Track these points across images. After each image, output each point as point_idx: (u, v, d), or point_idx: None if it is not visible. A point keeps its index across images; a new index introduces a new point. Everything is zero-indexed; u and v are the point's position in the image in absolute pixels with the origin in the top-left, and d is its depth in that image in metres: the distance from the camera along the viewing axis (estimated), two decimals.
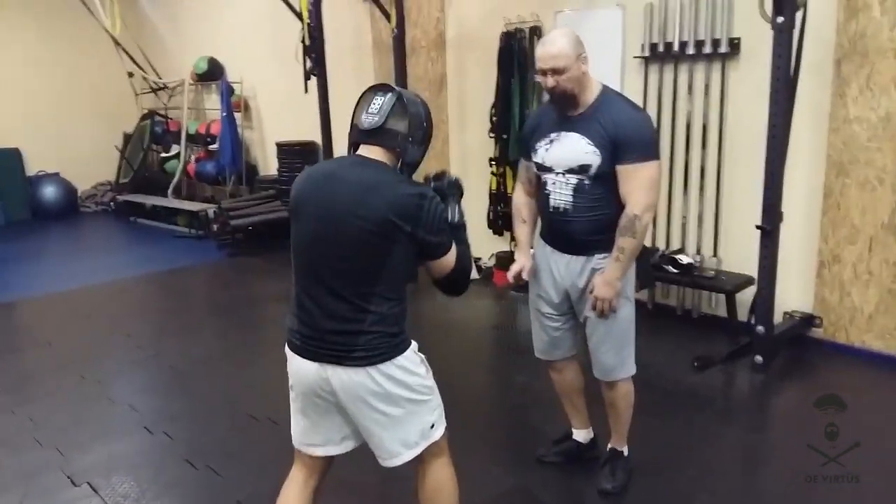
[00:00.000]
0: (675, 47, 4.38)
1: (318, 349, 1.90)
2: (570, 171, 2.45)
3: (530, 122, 2.70)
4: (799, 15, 3.48)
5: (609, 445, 2.84)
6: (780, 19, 3.44)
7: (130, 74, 8.98)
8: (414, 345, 2.00)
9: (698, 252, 4.53)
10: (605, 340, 2.59)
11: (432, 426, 2.02)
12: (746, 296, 4.13)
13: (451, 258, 1.95)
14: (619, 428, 2.79)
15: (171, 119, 8.96)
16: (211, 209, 7.91)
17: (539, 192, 2.60)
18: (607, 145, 2.37)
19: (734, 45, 4.15)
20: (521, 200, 2.74)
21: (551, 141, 2.50)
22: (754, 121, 3.97)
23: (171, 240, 7.85)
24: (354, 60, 6.48)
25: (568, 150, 2.45)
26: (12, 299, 5.74)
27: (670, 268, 4.29)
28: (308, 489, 2.10)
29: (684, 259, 4.29)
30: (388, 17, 5.60)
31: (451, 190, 2.07)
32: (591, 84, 2.44)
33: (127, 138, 9.38)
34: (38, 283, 6.16)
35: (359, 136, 1.95)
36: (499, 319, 5.04)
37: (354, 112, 1.96)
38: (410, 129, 1.92)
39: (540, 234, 2.70)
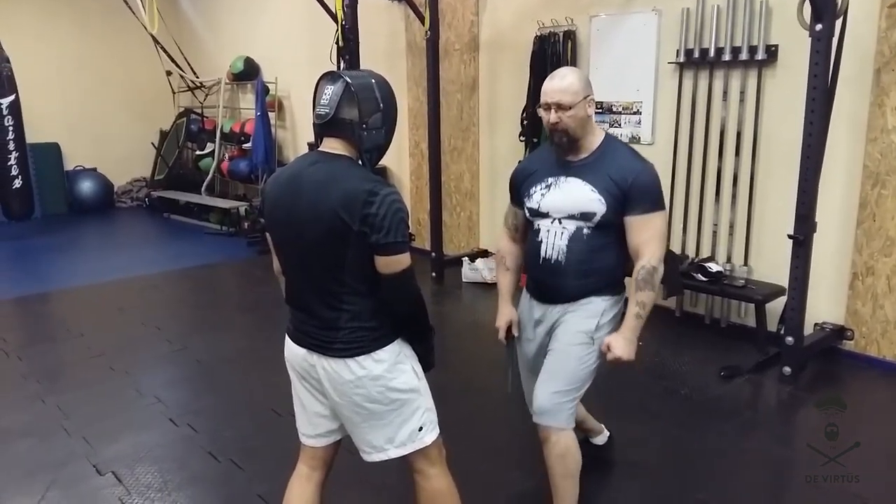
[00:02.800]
0: (711, 53, 4.33)
1: (306, 337, 1.97)
2: (571, 217, 2.29)
3: (524, 165, 2.53)
4: (838, 23, 3.42)
5: None
6: (819, 27, 3.38)
7: (168, 73, 9.13)
8: (400, 341, 1.97)
9: (728, 260, 4.46)
10: (546, 369, 2.37)
11: (421, 429, 1.99)
12: (776, 306, 4.06)
13: (402, 261, 1.83)
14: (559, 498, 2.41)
15: (206, 117, 9.09)
16: (243, 207, 8.02)
17: (529, 240, 2.43)
18: (616, 194, 2.23)
19: (771, 52, 4.08)
20: (505, 248, 2.56)
21: (548, 186, 2.34)
22: (790, 129, 3.91)
23: (203, 236, 7.97)
24: (388, 62, 6.51)
25: (569, 197, 2.29)
26: (47, 290, 5.88)
27: (699, 276, 4.23)
28: (312, 482, 2.13)
29: (714, 267, 4.23)
30: (422, 19, 5.62)
31: None
32: (595, 130, 2.33)
33: (163, 135, 9.55)
34: (73, 276, 6.29)
35: (318, 128, 1.92)
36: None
37: (312, 104, 1.92)
38: (362, 115, 1.84)
39: (526, 286, 2.54)
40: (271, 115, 8.08)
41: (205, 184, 8.77)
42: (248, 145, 8.20)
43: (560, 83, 2.25)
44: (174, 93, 9.38)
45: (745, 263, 4.39)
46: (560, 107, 2.23)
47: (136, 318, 5.08)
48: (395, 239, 1.80)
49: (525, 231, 2.48)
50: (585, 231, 2.29)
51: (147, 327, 4.89)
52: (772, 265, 4.20)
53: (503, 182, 5.79)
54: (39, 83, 8.55)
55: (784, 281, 3.83)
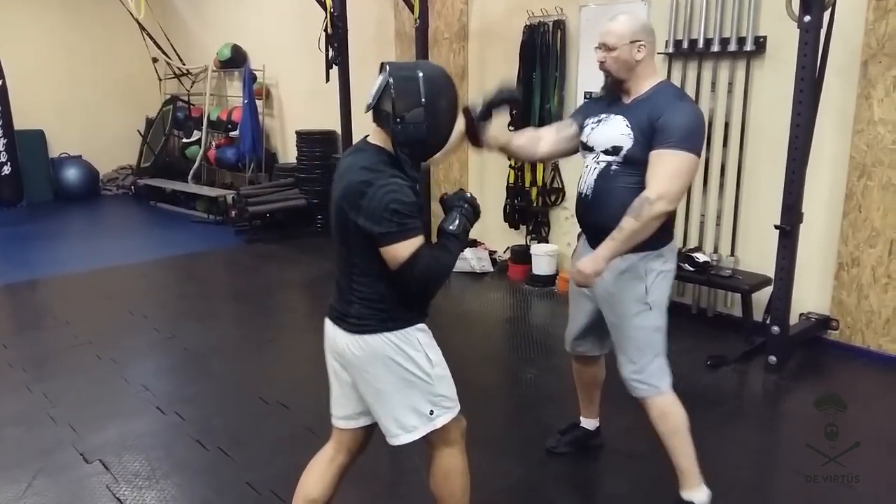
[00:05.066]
0: (700, 44, 4.34)
1: (332, 310, 2.05)
2: (605, 151, 2.38)
3: (594, 99, 2.64)
4: (826, 14, 3.44)
5: (679, 494, 2.52)
6: (807, 18, 3.39)
7: (155, 60, 9.04)
8: (418, 328, 2.00)
9: (715, 251, 4.49)
10: (621, 348, 2.48)
11: (431, 413, 2.01)
12: (762, 296, 4.09)
13: (400, 250, 1.81)
14: (676, 463, 2.48)
15: (193, 105, 9.01)
16: (230, 195, 7.97)
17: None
18: (645, 129, 2.27)
19: (760, 43, 4.10)
20: (536, 132, 2.70)
21: (599, 121, 2.44)
22: (777, 120, 3.93)
23: (190, 224, 7.92)
24: (377, 50, 6.48)
25: (608, 131, 2.38)
26: (33, 278, 5.83)
27: (686, 265, 4.25)
28: (334, 465, 2.15)
29: (701, 257, 4.26)
30: (411, 7, 5.60)
31: (456, 202, 2.02)
32: (647, 74, 2.35)
33: (149, 123, 9.46)
34: (59, 264, 6.24)
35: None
36: (512, 313, 5.03)
37: None
38: (397, 109, 1.84)
39: None
40: (259, 102, 8.02)
41: (191, 172, 8.71)
42: (235, 133, 8.15)
43: (609, 24, 2.34)
44: (160, 80, 9.30)
45: (732, 254, 4.42)
46: (606, 46, 2.33)
47: (123, 307, 5.05)
48: (388, 230, 1.81)
49: (557, 141, 2.59)
50: (613, 167, 2.35)
51: (134, 316, 4.86)
52: (758, 255, 4.23)
53: (492, 171, 5.85)
54: (24, 69, 8.44)
55: (770, 271, 3.87)
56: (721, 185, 4.41)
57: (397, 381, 1.97)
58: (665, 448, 2.48)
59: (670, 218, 2.35)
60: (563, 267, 5.41)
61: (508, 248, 5.76)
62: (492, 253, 5.88)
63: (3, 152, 7.36)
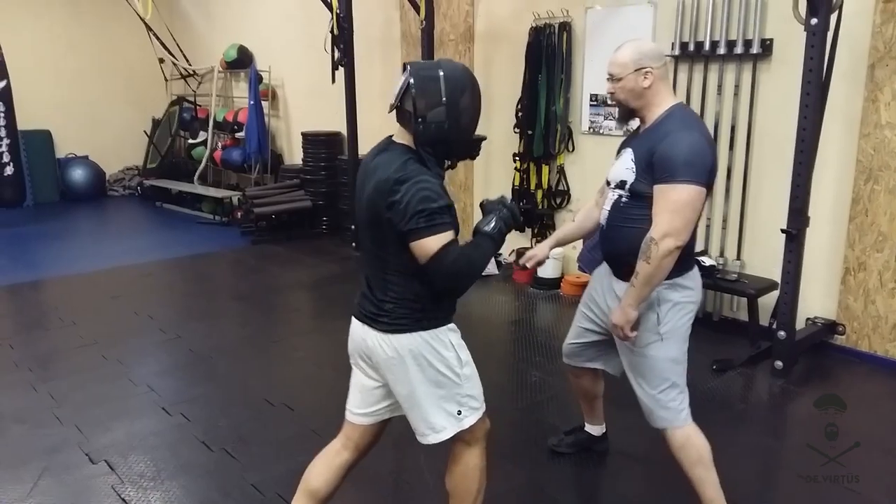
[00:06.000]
0: (706, 46, 4.33)
1: (362, 310, 2.04)
2: (616, 185, 2.37)
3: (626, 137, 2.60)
4: (833, 17, 3.43)
5: None
6: (814, 21, 3.38)
7: (161, 60, 9.07)
8: (449, 328, 2.03)
9: (721, 254, 4.48)
10: (633, 374, 2.45)
11: (459, 413, 2.04)
12: (769, 300, 4.08)
13: (430, 244, 1.80)
14: (701, 493, 2.40)
15: (199, 106, 9.03)
16: (235, 196, 7.99)
17: None
18: (644, 164, 2.25)
19: (766, 46, 4.09)
20: (587, 206, 2.68)
21: (618, 155, 2.44)
22: (784, 124, 3.92)
23: (196, 225, 7.94)
24: (382, 52, 6.49)
25: (619, 165, 2.38)
26: (39, 278, 5.85)
27: None
28: (339, 459, 2.15)
29: (706, 261, 4.24)
30: (417, 9, 5.60)
31: (495, 206, 2.01)
32: (659, 101, 2.30)
33: (156, 124, 9.49)
34: (65, 264, 6.26)
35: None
36: (517, 315, 5.02)
37: None
38: (418, 108, 1.85)
39: None
40: (265, 103, 8.04)
41: (197, 173, 8.73)
42: (241, 134, 8.16)
43: (614, 54, 2.34)
44: (167, 80, 9.32)
45: (738, 257, 4.41)
46: (612, 77, 2.33)
47: (128, 307, 5.06)
48: (417, 225, 1.81)
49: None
50: (623, 200, 2.35)
51: (140, 316, 4.87)
52: (764, 259, 4.22)
53: (497, 173, 5.85)
54: (31, 70, 8.48)
55: (776, 275, 3.86)
56: (727, 189, 4.40)
57: (428, 381, 1.99)
58: (690, 480, 2.41)
59: (688, 248, 2.29)
60: (569, 270, 5.40)
61: (513, 250, 5.76)
62: (497, 256, 5.87)
63: (6, 153, 7.37)
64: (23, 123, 7.89)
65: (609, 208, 2.40)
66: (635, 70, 2.26)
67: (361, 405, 2.15)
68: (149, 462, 2.98)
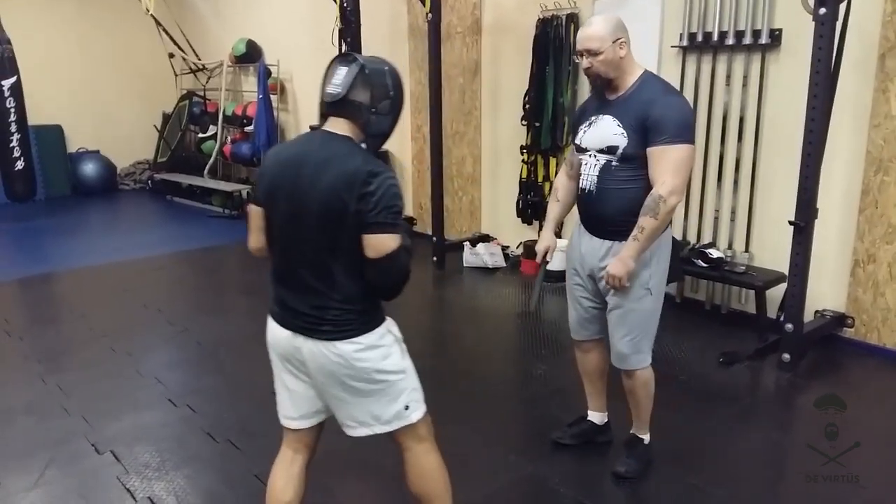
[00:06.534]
0: (715, 37, 4.29)
1: (292, 319, 1.95)
2: (601, 151, 2.50)
3: (581, 107, 2.77)
4: (842, 6, 3.38)
5: (630, 431, 2.85)
6: (823, 11, 3.34)
7: (171, 55, 9.10)
8: (388, 322, 1.99)
9: (730, 247, 4.44)
10: (619, 327, 2.61)
11: (406, 407, 2.00)
12: (777, 293, 4.05)
13: (389, 241, 1.81)
14: (639, 415, 2.80)
15: (209, 100, 9.06)
16: (245, 190, 8.01)
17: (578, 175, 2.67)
18: (637, 127, 2.40)
19: (775, 36, 4.05)
20: (561, 181, 2.81)
21: (590, 123, 2.55)
22: (793, 114, 3.88)
23: (206, 219, 7.97)
24: (390, 45, 6.47)
25: (600, 132, 2.50)
26: (50, 271, 5.90)
27: (700, 262, 4.21)
28: (295, 466, 2.11)
29: (714, 253, 4.21)
30: (423, 1, 5.57)
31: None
32: (631, 69, 2.48)
33: (166, 118, 9.53)
34: (76, 257, 6.31)
35: (325, 107, 1.93)
36: (524, 308, 5.00)
37: (322, 83, 1.93)
38: (373, 99, 1.86)
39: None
40: (273, 97, 8.05)
41: (207, 167, 8.76)
42: (250, 128, 8.18)
43: (588, 30, 2.45)
44: (176, 75, 9.36)
45: (747, 250, 4.38)
46: (590, 52, 2.43)
47: (137, 300, 5.09)
48: (385, 220, 1.80)
49: (577, 172, 2.67)
50: (614, 164, 2.47)
51: (148, 309, 4.90)
52: (773, 252, 4.18)
53: (505, 166, 5.84)
54: (41, 65, 8.52)
55: (785, 268, 3.82)
56: (735, 181, 4.36)
57: (375, 381, 1.93)
58: (635, 408, 2.77)
59: None
60: None
61: (521, 243, 5.74)
62: (504, 248, 5.86)
63: (17, 147, 7.41)
64: (34, 118, 7.94)
65: (597, 173, 2.51)
66: (612, 42, 2.41)
67: (296, 411, 2.07)
68: (154, 453, 3.00)
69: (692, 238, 4.62)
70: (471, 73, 5.95)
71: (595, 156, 2.52)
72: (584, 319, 2.79)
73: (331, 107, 1.90)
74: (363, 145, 1.89)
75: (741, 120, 4.27)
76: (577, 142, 2.62)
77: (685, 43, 4.45)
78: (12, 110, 7.43)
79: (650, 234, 2.38)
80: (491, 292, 5.28)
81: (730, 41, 4.22)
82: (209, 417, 3.33)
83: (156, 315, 4.79)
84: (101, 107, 9.30)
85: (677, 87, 4.46)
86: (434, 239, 5.82)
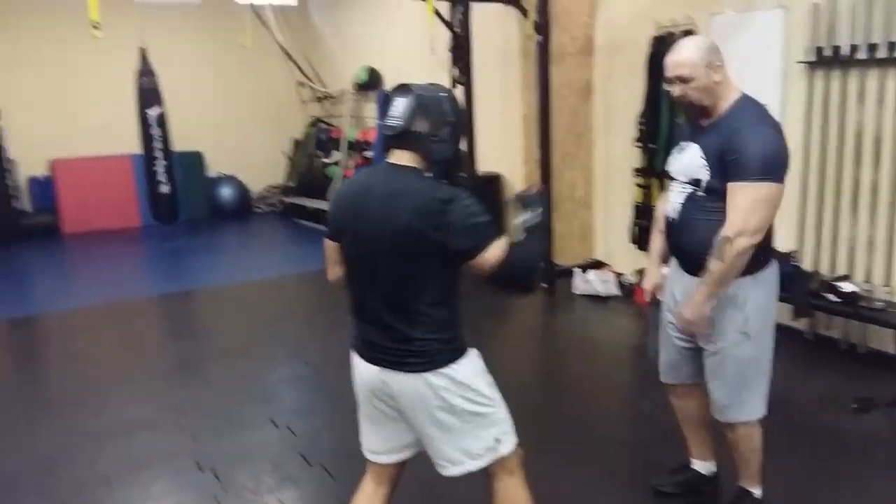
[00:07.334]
0: (845, 51, 3.94)
1: (377, 354, 1.95)
2: (687, 182, 2.35)
3: (679, 130, 2.65)
4: None
5: (738, 483, 2.61)
6: None
7: (301, 84, 9.56)
8: (473, 352, 1.97)
9: (867, 280, 4.03)
10: (715, 375, 2.43)
11: (497, 440, 1.96)
12: None
13: (493, 252, 1.83)
14: (746, 468, 2.58)
15: (334, 126, 9.43)
16: None
17: None
18: (718, 159, 2.23)
19: None
20: (661, 210, 2.57)
21: (680, 150, 2.42)
22: None
23: None
24: (502, 67, 6.46)
25: (686, 162, 2.35)
26: (184, 289, 6.31)
27: (831, 296, 3.85)
28: (378, 498, 2.10)
29: (847, 287, 3.84)
30: (534, 26, 5.51)
31: (526, 200, 2.04)
32: (727, 94, 2.29)
33: (296, 144, 10.01)
34: (207, 276, 6.76)
35: (387, 141, 1.94)
36: (637, 339, 4.75)
37: (380, 117, 1.95)
38: (433, 127, 1.88)
39: None
40: None
41: (329, 190, 9.10)
42: (370, 153, 8.42)
43: (677, 56, 2.29)
44: (304, 103, 9.81)
45: (887, 283, 3.95)
46: (681, 79, 2.27)
47: (255, 319, 5.34)
48: (475, 242, 1.82)
49: None
50: (700, 194, 2.30)
51: (264, 328, 5.12)
52: None
53: (618, 189, 5.64)
54: (185, 96, 9.18)
55: None
56: (873, 207, 3.96)
57: (465, 412, 1.91)
58: (739, 461, 2.56)
59: (767, 242, 2.29)
60: None
61: (636, 270, 5.50)
62: (618, 276, 5.64)
63: (163, 173, 8.01)
64: (178, 145, 8.54)
65: (683, 202, 2.35)
66: (705, 66, 2.23)
67: (383, 445, 2.06)
68: (252, 474, 3.10)
69: (825, 269, 4.23)
70: (583, 93, 5.81)
71: (682, 185, 2.37)
72: (676, 361, 2.60)
73: (393, 140, 1.91)
74: (429, 174, 1.90)
75: (877, 140, 3.88)
76: (668, 167, 2.48)
77: (812, 58, 4.11)
78: (159, 139, 8.05)
79: (718, 279, 2.20)
80: (602, 322, 5.09)
81: (862, 55, 3.85)
82: (306, 439, 3.41)
83: (269, 334, 4.99)
84: (238, 134, 9.89)
85: (804, 105, 4.18)
86: (543, 265, 5.70)
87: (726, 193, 2.21)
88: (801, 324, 4.32)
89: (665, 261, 2.60)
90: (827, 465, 3.03)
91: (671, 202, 2.41)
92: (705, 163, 2.27)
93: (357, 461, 3.09)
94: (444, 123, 1.89)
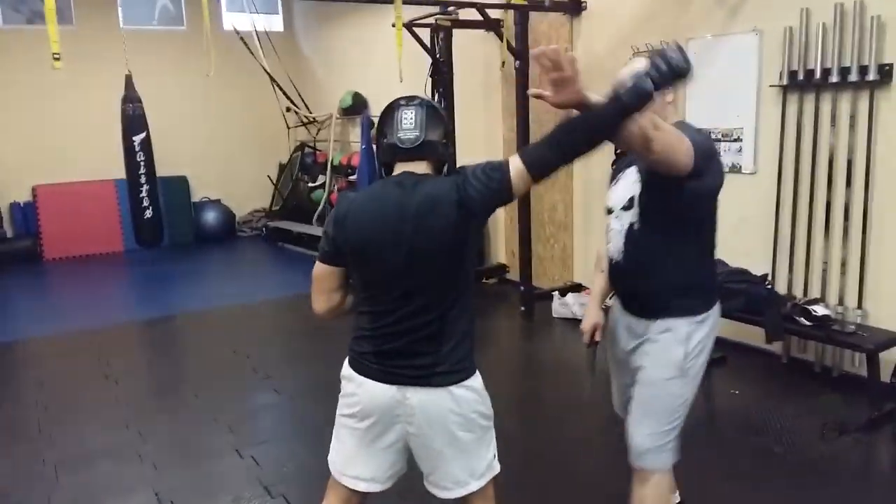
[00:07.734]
0: (817, 75, 3.95)
1: (399, 371, 1.86)
2: (623, 208, 2.17)
3: (615, 167, 2.40)
4: None
5: None
6: None
7: (288, 109, 9.57)
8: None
9: (840, 303, 4.00)
10: (642, 412, 2.20)
11: (494, 457, 1.96)
12: (893, 356, 3.58)
13: (517, 162, 1.76)
14: None
15: (319, 151, 9.43)
16: None
17: None
18: (647, 175, 2.07)
19: (885, 71, 3.66)
20: (602, 250, 2.41)
21: (617, 181, 2.26)
22: None
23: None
24: (484, 92, 6.48)
25: (623, 185, 2.21)
26: (158, 315, 6.21)
27: (803, 320, 3.81)
28: None
29: (820, 311, 3.80)
30: (513, 52, 5.54)
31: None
32: (672, 118, 2.17)
33: (282, 168, 10.01)
34: (186, 301, 6.68)
35: (399, 153, 1.88)
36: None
37: (383, 129, 1.91)
38: (442, 134, 1.92)
39: None
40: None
41: (316, 214, 9.08)
42: (354, 177, 8.41)
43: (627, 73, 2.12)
44: (289, 128, 9.82)
45: (860, 306, 3.92)
46: None
47: (228, 346, 5.23)
48: (494, 175, 1.77)
49: None
50: (636, 226, 2.14)
51: (237, 355, 5.03)
52: (890, 309, 3.73)
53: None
54: (170, 121, 9.19)
55: None
56: (845, 230, 3.94)
57: (480, 429, 1.90)
58: None
59: (713, 279, 2.21)
60: None
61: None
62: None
63: (146, 197, 7.98)
64: (163, 170, 8.53)
65: (621, 240, 2.17)
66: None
67: (373, 473, 1.96)
68: None
69: (798, 293, 4.20)
70: (563, 117, 5.80)
71: (619, 218, 2.19)
72: (627, 400, 2.38)
73: (409, 151, 1.87)
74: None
75: (849, 163, 3.87)
76: (606, 203, 2.29)
77: (785, 81, 4.12)
78: (142, 163, 8.02)
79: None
80: (578, 345, 5.02)
81: (834, 78, 3.86)
82: (270, 469, 3.32)
83: (243, 361, 4.91)
84: (223, 158, 9.89)
85: (777, 128, 4.19)
86: (522, 288, 5.66)
87: (662, 214, 2.09)
88: (775, 347, 4.29)
89: (605, 299, 2.46)
90: (792, 492, 2.97)
91: (612, 242, 2.24)
92: (637, 176, 2.13)
93: (319, 490, 3.06)
94: (445, 127, 1.94)
